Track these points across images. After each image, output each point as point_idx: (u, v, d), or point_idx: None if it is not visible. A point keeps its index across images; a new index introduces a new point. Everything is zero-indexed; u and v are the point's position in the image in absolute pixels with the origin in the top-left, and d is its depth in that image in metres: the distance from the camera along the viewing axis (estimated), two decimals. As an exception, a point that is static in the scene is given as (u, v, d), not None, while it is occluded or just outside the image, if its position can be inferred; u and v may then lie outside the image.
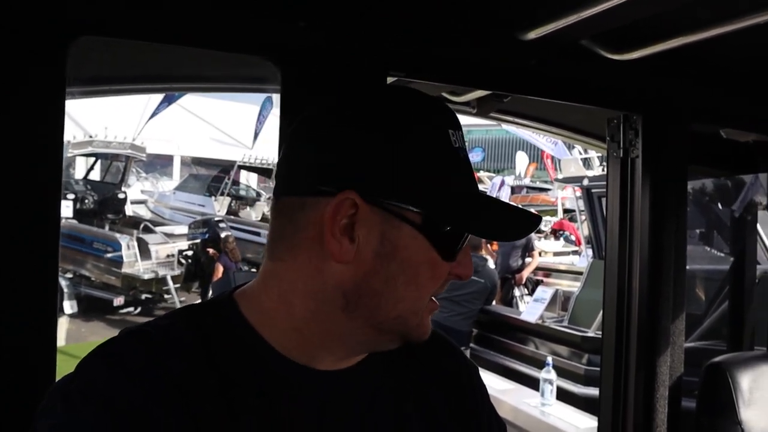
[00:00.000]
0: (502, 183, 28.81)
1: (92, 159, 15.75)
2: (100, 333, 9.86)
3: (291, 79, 1.38)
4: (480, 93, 1.95)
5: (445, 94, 2.05)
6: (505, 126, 2.55)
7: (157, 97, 15.29)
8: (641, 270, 1.91)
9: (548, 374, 4.22)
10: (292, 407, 0.83)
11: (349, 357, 0.89)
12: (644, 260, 1.91)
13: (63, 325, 10.44)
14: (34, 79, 1.17)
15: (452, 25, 1.54)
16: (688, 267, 1.99)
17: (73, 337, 9.94)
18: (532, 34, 1.51)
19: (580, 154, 9.72)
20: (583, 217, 10.07)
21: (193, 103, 23.75)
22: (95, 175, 15.96)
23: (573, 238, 16.15)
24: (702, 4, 1.39)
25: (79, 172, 16.51)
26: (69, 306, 10.85)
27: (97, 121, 14.23)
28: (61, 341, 9.46)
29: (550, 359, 4.40)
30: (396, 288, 0.82)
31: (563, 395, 4.95)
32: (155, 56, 1.51)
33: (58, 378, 0.82)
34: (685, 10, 1.41)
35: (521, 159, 31.97)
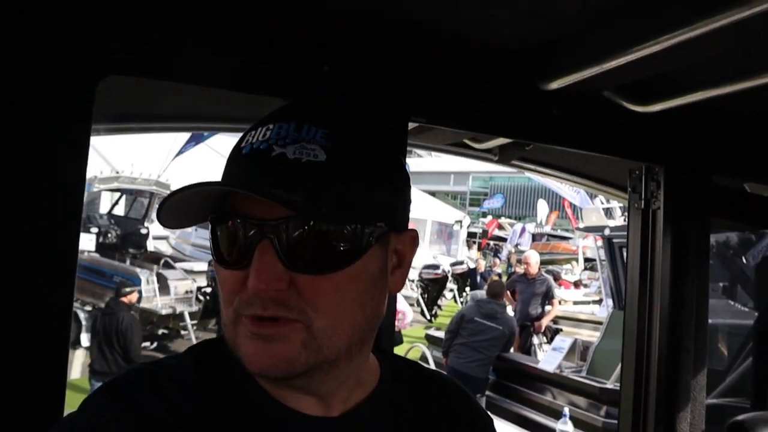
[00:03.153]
0: (523, 230, 28.77)
1: (117, 194, 15.97)
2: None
3: None
4: (502, 140, 1.96)
5: (466, 141, 2.06)
6: (527, 173, 2.56)
7: (184, 136, 15.54)
8: (661, 323, 1.88)
9: (565, 425, 4.13)
10: None
11: (308, 398, 0.84)
12: (664, 313, 1.88)
13: (79, 357, 10.46)
14: (62, 115, 1.19)
15: (474, 72, 1.56)
16: (710, 321, 1.95)
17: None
18: (555, 84, 1.52)
19: (602, 203, 9.67)
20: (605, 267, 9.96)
21: (219, 142, 24.11)
22: (119, 210, 16.16)
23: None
24: (724, 60, 1.39)
25: (103, 207, 16.74)
26: (86, 339, 10.87)
27: (124, 157, 14.48)
28: (76, 374, 9.49)
29: (566, 410, 4.31)
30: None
31: (581, 448, 4.83)
32: (180, 96, 1.54)
33: (66, 411, 0.82)
34: (708, 63, 1.42)
35: (542, 207, 31.92)
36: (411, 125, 1.57)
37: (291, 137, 0.76)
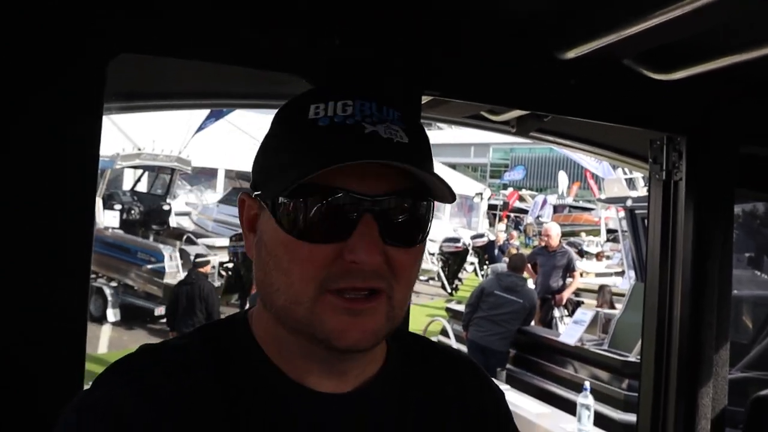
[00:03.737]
0: (545, 202, 28.59)
1: (140, 171, 16.11)
2: (141, 341, 9.93)
3: None
4: (519, 112, 1.93)
5: (484, 113, 2.03)
6: (548, 144, 2.52)
7: (204, 112, 15.61)
8: (683, 296, 1.85)
9: (586, 399, 4.12)
10: (291, 426, 0.82)
11: (327, 374, 0.85)
12: (686, 286, 1.85)
13: (106, 333, 10.67)
14: (74, 94, 1.19)
15: (489, 43, 1.53)
16: (735, 292, 1.92)
17: (115, 345, 10.14)
18: (571, 54, 1.49)
19: (625, 174, 9.54)
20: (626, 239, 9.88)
21: (238, 118, 24.17)
22: (142, 187, 16.32)
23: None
24: (748, 24, 1.34)
25: (126, 184, 16.92)
26: (112, 314, 11.09)
27: (145, 134, 14.59)
28: (103, 348, 9.69)
29: (587, 384, 4.30)
30: (271, 275, 0.81)
31: (602, 420, 4.83)
32: (191, 73, 1.53)
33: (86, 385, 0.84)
34: (731, 28, 1.37)
35: (563, 178, 31.66)
36: (425, 98, 1.55)
37: (376, 116, 0.78)
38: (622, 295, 8.81)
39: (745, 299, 3.71)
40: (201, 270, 9.42)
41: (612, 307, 9.74)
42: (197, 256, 10.32)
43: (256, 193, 0.84)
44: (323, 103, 0.79)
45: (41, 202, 1.18)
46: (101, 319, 11.03)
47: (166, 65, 1.44)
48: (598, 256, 18.34)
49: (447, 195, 0.82)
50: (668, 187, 1.90)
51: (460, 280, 17.63)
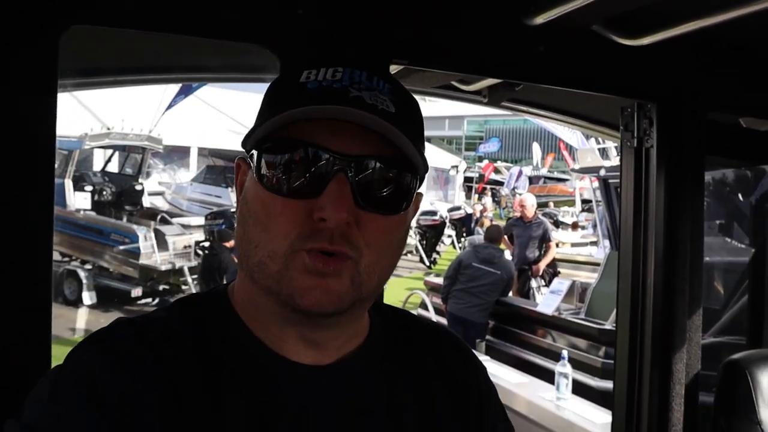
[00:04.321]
0: (520, 173, 28.72)
1: (110, 151, 15.86)
2: (118, 324, 9.93)
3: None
4: (490, 81, 1.90)
5: (454, 83, 2.00)
6: (522, 115, 2.51)
7: (174, 89, 15.37)
8: (656, 263, 1.85)
9: (563, 368, 4.16)
10: (273, 399, 0.81)
11: (304, 342, 0.84)
12: (659, 253, 1.85)
13: (82, 316, 10.56)
14: (26, 70, 1.15)
15: (456, 10, 1.49)
16: (707, 259, 1.93)
17: (92, 328, 10.04)
18: (540, 19, 1.46)
19: (598, 144, 9.58)
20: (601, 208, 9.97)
21: (209, 94, 23.85)
22: (113, 167, 16.08)
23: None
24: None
25: (97, 164, 16.64)
26: (88, 297, 10.96)
27: (114, 113, 14.32)
28: (80, 333, 9.59)
29: (565, 352, 4.34)
30: (250, 231, 0.81)
31: (580, 388, 4.89)
32: (150, 46, 1.47)
33: None
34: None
35: (536, 150, 31.80)
36: (394, 69, 1.52)
37: (364, 84, 0.79)
38: (598, 264, 8.90)
39: (716, 266, 3.76)
40: (225, 244, 9.57)
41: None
42: (223, 231, 10.35)
43: (246, 152, 0.85)
44: (315, 69, 0.81)
45: None
46: (77, 303, 10.90)
47: (124, 38, 1.39)
48: (574, 226, 18.48)
49: (420, 168, 0.82)
50: (639, 154, 1.90)
51: (438, 253, 17.71)
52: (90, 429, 0.71)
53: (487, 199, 25.32)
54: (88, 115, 14.46)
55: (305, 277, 0.77)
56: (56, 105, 1.19)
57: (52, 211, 1.21)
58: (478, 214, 20.05)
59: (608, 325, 6.12)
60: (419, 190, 0.87)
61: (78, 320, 10.35)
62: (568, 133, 14.85)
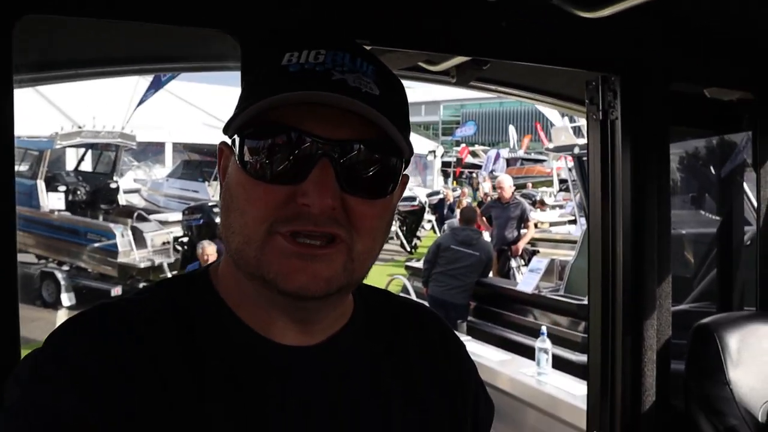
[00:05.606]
0: (497, 156, 28.77)
1: (82, 150, 15.63)
2: (99, 323, 9.86)
3: (251, 53, 1.33)
4: (457, 60, 1.90)
5: (421, 63, 2.00)
6: (490, 93, 2.52)
7: (144, 84, 15.16)
8: (624, 233, 1.88)
9: (543, 343, 4.21)
10: (257, 379, 0.82)
11: (292, 324, 0.84)
12: (627, 223, 1.88)
13: (62, 318, 10.43)
14: None
15: None
16: (681, 231, 1.96)
17: (73, 329, 9.93)
18: (499, -5, 1.47)
19: (572, 122, 9.64)
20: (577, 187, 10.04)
21: (182, 88, 23.56)
22: (86, 166, 15.85)
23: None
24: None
25: (69, 164, 16.39)
26: (67, 298, 10.84)
27: (84, 111, 14.09)
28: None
29: (544, 328, 4.39)
30: (230, 216, 0.81)
31: (562, 363, 4.95)
32: (109, 36, 1.45)
33: None
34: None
35: (512, 132, 31.91)
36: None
37: (348, 66, 0.78)
38: (575, 242, 8.99)
39: (689, 237, 3.82)
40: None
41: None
42: None
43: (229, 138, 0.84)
44: (297, 51, 0.80)
45: None
46: (56, 305, 10.78)
47: (81, 28, 1.37)
48: (541, 203, 18.62)
49: (405, 150, 0.82)
50: (605, 127, 1.92)
51: (418, 238, 17.74)
52: (72, 411, 0.71)
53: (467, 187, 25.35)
54: (58, 114, 14.22)
55: (286, 262, 0.76)
56: (12, 100, 1.16)
57: (14, 210, 1.19)
58: (450, 199, 20.09)
59: (587, 301, 6.19)
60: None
61: (57, 323, 10.18)
62: (548, 109, 14.91)
